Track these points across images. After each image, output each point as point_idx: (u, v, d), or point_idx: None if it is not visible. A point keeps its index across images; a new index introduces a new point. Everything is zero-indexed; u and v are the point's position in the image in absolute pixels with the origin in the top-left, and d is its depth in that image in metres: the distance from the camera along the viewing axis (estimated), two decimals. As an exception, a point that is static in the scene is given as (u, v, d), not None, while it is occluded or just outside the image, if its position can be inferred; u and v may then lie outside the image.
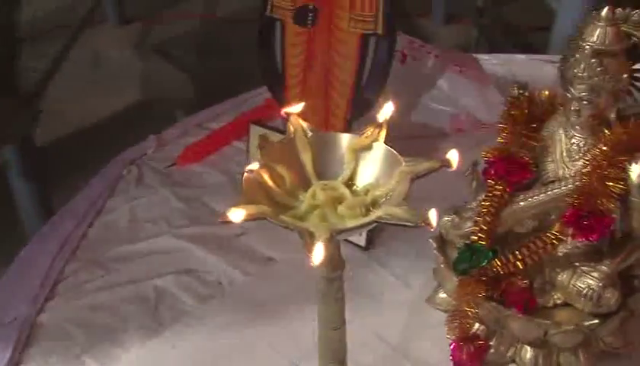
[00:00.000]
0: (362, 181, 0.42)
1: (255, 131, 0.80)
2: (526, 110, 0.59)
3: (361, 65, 0.68)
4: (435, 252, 0.63)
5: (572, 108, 0.53)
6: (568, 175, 0.56)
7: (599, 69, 0.51)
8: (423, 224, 0.37)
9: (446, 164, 0.42)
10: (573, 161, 0.56)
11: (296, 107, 0.45)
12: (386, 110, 0.44)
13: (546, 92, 0.59)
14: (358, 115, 0.71)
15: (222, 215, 0.38)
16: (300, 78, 0.73)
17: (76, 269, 0.73)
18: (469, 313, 0.56)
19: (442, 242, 0.63)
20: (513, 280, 0.56)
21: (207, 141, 0.93)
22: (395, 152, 0.42)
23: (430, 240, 0.64)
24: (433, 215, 0.38)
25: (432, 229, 0.38)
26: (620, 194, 0.52)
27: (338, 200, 0.40)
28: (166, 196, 0.83)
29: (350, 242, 0.74)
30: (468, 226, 0.58)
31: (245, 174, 0.41)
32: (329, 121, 0.72)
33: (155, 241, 0.77)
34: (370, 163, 0.42)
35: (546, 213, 0.56)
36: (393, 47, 0.66)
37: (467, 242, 0.57)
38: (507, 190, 0.57)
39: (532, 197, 0.56)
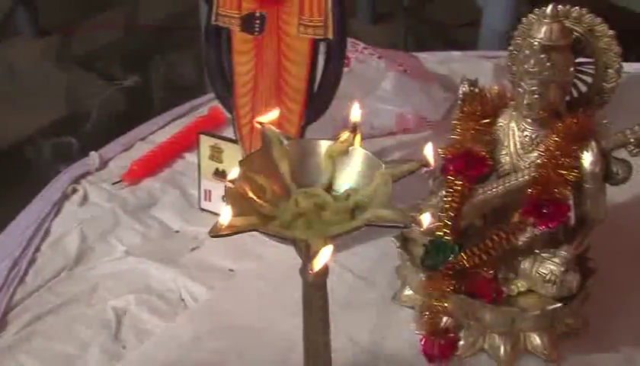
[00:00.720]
0: (341, 186, 0.43)
1: (206, 142, 0.80)
2: (479, 106, 0.62)
3: (312, 71, 0.69)
4: (399, 250, 0.65)
5: (524, 102, 0.57)
6: (523, 167, 0.59)
7: (548, 63, 0.55)
8: (414, 225, 0.39)
9: (425, 164, 0.44)
10: (527, 153, 0.59)
11: (269, 116, 0.46)
12: (355, 113, 0.45)
13: (496, 88, 0.62)
14: (311, 121, 0.72)
15: (212, 228, 0.39)
16: (250, 86, 0.74)
17: (26, 296, 0.71)
18: (438, 308, 0.59)
19: (404, 240, 0.66)
20: (479, 271, 0.58)
21: (154, 155, 0.92)
22: (373, 155, 0.43)
23: (393, 239, 0.66)
24: (425, 217, 0.39)
25: (422, 229, 0.40)
26: (574, 182, 0.55)
27: (321, 206, 0.41)
28: (115, 214, 0.82)
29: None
30: (432, 223, 0.60)
31: (227, 186, 0.41)
32: (283, 128, 0.72)
33: (108, 261, 0.75)
34: (348, 168, 0.43)
35: (505, 205, 0.59)
36: (344, 52, 0.68)
37: (432, 238, 0.60)
38: (467, 184, 0.59)
39: (491, 190, 0.59)
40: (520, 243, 0.59)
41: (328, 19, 0.66)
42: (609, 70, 0.57)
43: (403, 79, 0.90)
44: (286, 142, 0.44)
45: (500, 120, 0.61)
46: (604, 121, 0.56)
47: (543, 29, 0.55)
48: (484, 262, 0.58)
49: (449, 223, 0.59)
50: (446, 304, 0.59)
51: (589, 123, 0.56)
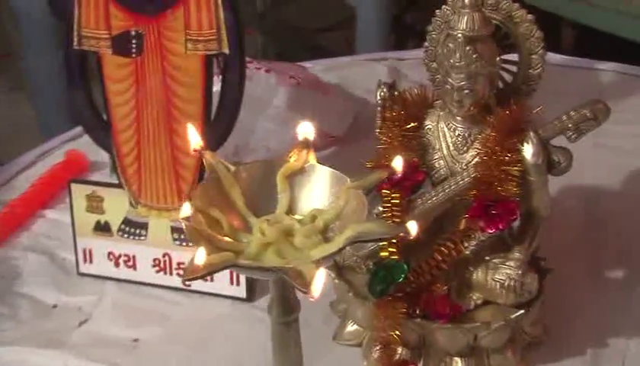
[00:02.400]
0: (304, 208, 0.44)
1: (79, 191, 0.77)
2: (401, 111, 0.65)
3: (208, 92, 0.70)
4: (336, 281, 0.66)
5: (454, 99, 0.61)
6: (459, 169, 0.63)
7: (474, 55, 0.59)
8: (403, 235, 0.41)
9: (392, 171, 0.46)
10: (462, 153, 0.63)
11: (197, 140, 0.46)
12: (306, 129, 0.46)
13: (417, 89, 0.66)
14: (213, 149, 0.72)
15: (187, 272, 0.38)
16: (133, 118, 0.72)
17: None
18: (391, 338, 0.61)
19: (338, 270, 0.67)
20: (432, 289, 0.61)
21: (5, 218, 0.87)
22: (334, 170, 0.44)
23: (328, 271, 0.67)
24: (412, 225, 0.41)
25: (410, 237, 0.42)
26: (518, 177, 0.60)
27: (288, 232, 0.42)
28: (-28, 297, 0.76)
29: (229, 297, 0.74)
30: (372, 244, 0.63)
31: (184, 224, 0.41)
32: (178, 161, 0.72)
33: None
34: (307, 187, 0.44)
35: (448, 212, 0.63)
36: (244, 66, 0.69)
37: (376, 261, 0.62)
38: (404, 196, 0.62)
39: (431, 199, 0.63)
40: (468, 252, 0.62)
41: (220, 30, 0.67)
42: (533, 56, 0.62)
43: (297, 93, 0.93)
44: (232, 168, 0.45)
45: (427, 122, 0.65)
46: (537, 109, 0.61)
47: (464, 19, 0.59)
48: (437, 278, 0.61)
49: (393, 240, 0.61)
50: (399, 332, 0.61)
51: (523, 113, 0.61)
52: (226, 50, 0.68)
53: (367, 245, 0.63)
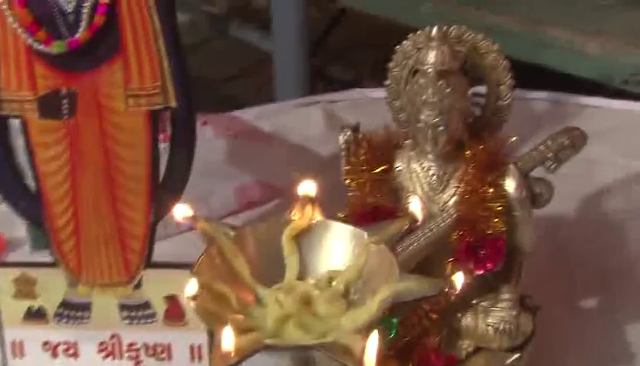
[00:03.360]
0: (316, 270, 0.41)
1: (5, 275, 0.71)
2: (368, 154, 0.64)
3: (154, 152, 0.66)
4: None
5: (428, 137, 0.60)
6: (437, 210, 0.62)
7: (447, 90, 0.59)
8: (448, 289, 0.38)
9: (413, 218, 0.44)
10: (438, 193, 0.62)
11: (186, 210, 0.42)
12: (307, 185, 0.44)
13: (381, 130, 0.65)
14: (163, 215, 0.68)
15: (217, 360, 0.33)
16: (67, 188, 0.67)
17: None
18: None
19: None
20: (424, 342, 0.59)
21: None
22: (347, 225, 0.42)
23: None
24: (459, 277, 0.39)
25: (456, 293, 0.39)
26: (502, 213, 0.59)
27: (305, 300, 0.38)
28: None
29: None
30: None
31: (192, 305, 0.37)
32: (124, 231, 0.67)
33: None
34: (317, 246, 0.41)
35: (430, 258, 0.61)
36: (194, 120, 0.65)
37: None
38: (384, 246, 0.60)
39: (411, 245, 0.61)
40: (453, 298, 0.61)
41: (165, 81, 0.63)
42: (502, 87, 0.62)
43: (236, 145, 0.90)
44: (232, 234, 0.41)
45: (397, 164, 0.64)
46: (512, 140, 0.61)
47: (433, 53, 0.59)
48: (427, 329, 0.59)
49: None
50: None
51: (499, 146, 0.61)
52: (173, 103, 0.64)
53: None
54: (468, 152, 0.61)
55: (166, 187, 0.67)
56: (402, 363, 0.59)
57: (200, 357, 0.69)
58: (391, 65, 0.65)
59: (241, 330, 0.36)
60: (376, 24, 2.54)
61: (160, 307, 0.69)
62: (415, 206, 0.47)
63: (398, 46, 0.64)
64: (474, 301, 0.62)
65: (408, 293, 0.38)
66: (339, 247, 0.43)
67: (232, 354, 0.35)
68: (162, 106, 0.64)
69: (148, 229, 0.68)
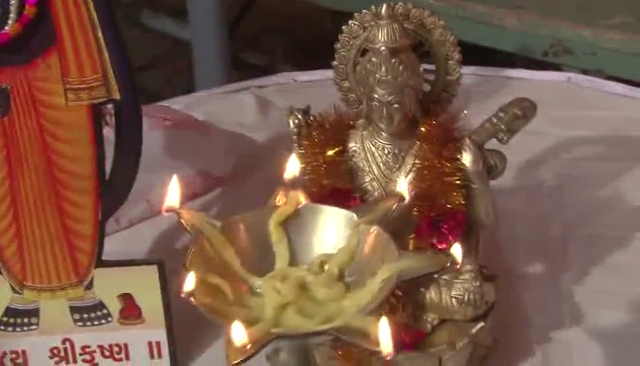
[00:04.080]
0: (306, 255, 0.40)
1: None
2: (321, 136, 0.63)
3: (99, 147, 0.63)
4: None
5: (383, 115, 0.60)
6: (394, 188, 0.62)
7: (400, 67, 0.58)
8: (450, 264, 0.38)
9: (399, 197, 0.43)
10: (394, 171, 0.62)
11: (172, 198, 0.40)
12: (292, 167, 0.43)
13: (331, 112, 0.64)
14: (112, 212, 0.65)
15: (234, 354, 0.32)
16: (6, 189, 0.63)
17: None
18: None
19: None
20: (394, 319, 0.59)
21: None
22: (336, 208, 0.41)
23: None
24: (457, 249, 0.38)
25: (458, 266, 0.39)
26: (461, 186, 0.60)
27: (301, 286, 0.37)
28: None
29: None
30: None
31: (194, 301, 0.35)
32: (72, 229, 0.64)
33: None
34: (305, 231, 0.40)
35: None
36: (140, 111, 0.63)
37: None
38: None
39: (373, 224, 0.61)
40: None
41: (107, 73, 0.61)
42: (450, 62, 0.63)
43: (173, 136, 0.87)
44: (218, 224, 0.40)
45: (350, 145, 0.63)
46: (462, 114, 0.62)
47: (384, 31, 0.58)
48: (396, 306, 0.59)
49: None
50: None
51: (452, 120, 0.61)
52: (117, 96, 0.61)
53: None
54: (422, 129, 0.61)
55: (113, 183, 0.64)
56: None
57: (159, 354, 0.68)
58: (337, 45, 0.64)
59: (243, 322, 0.35)
60: (286, 9, 2.54)
61: (114, 306, 0.66)
62: (402, 186, 0.46)
63: (344, 27, 0.63)
64: (435, 275, 0.62)
65: (411, 271, 0.38)
66: (328, 230, 0.42)
67: (248, 346, 0.34)
68: (105, 99, 0.62)
69: (97, 227, 0.65)
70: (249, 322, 0.35)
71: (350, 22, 0.63)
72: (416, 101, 0.61)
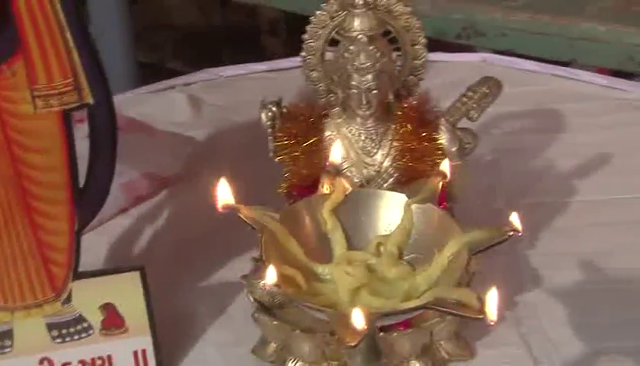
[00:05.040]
0: (362, 239, 0.41)
1: None
2: (295, 128, 0.64)
3: (71, 155, 0.60)
4: (274, 323, 0.63)
5: (363, 102, 0.61)
6: (374, 172, 0.64)
7: (378, 54, 0.60)
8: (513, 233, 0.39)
9: (443, 175, 0.45)
10: (372, 156, 0.64)
11: (226, 196, 0.40)
12: (335, 154, 0.43)
13: (301, 102, 0.65)
14: (89, 221, 0.63)
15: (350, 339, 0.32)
16: (-29, 207, 0.60)
17: None
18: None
19: (264, 309, 0.64)
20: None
21: None
22: (383, 190, 0.42)
23: (256, 315, 0.64)
24: (515, 218, 0.40)
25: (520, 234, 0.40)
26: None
27: (369, 269, 0.38)
28: None
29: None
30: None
31: (280, 291, 0.35)
32: (46, 243, 0.62)
33: None
34: (356, 216, 0.41)
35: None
36: (114, 115, 0.61)
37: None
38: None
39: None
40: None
41: (79, 77, 0.58)
42: (417, 46, 0.65)
43: (120, 139, 0.85)
44: (277, 216, 0.40)
45: (326, 133, 0.64)
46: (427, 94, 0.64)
47: (360, 20, 0.60)
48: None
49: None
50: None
51: (425, 103, 0.64)
52: (90, 100, 0.59)
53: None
54: (399, 112, 0.63)
55: (89, 191, 0.62)
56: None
57: (145, 363, 0.66)
58: (305, 36, 0.65)
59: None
60: (168, 2, 2.49)
61: (95, 318, 0.64)
62: (445, 165, 0.48)
63: (311, 18, 0.64)
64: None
65: (478, 242, 0.40)
66: (379, 213, 0.43)
67: (364, 326, 0.35)
68: (77, 104, 0.59)
69: (73, 238, 0.62)
70: (329, 308, 0.36)
71: (317, 13, 0.64)
72: (390, 85, 0.63)
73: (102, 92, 0.60)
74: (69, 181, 0.61)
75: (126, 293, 0.64)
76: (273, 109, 0.65)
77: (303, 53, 0.66)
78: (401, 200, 0.42)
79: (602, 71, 1.20)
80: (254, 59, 1.18)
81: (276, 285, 0.37)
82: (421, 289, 0.38)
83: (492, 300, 0.36)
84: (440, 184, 0.45)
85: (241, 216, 0.42)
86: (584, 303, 0.73)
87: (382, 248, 0.41)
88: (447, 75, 1.09)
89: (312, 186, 0.62)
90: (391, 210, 0.42)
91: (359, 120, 0.63)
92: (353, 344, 0.35)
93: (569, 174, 0.90)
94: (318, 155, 0.64)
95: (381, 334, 0.61)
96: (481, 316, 0.36)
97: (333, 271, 0.39)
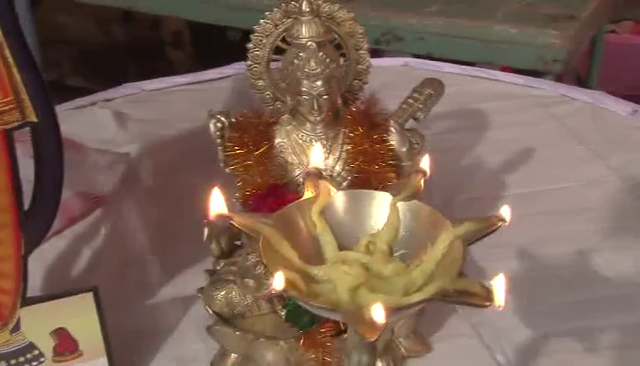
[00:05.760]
0: (349, 238, 0.41)
1: None
2: (245, 137, 0.64)
3: (15, 175, 0.57)
4: (236, 334, 0.62)
5: (313, 108, 0.62)
6: (326, 176, 0.64)
7: (328, 60, 0.61)
8: (502, 223, 0.40)
9: (423, 172, 0.45)
10: (324, 160, 0.64)
11: (219, 206, 0.39)
12: (317, 158, 0.43)
13: (249, 111, 0.65)
14: (36, 243, 0.60)
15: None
16: None
17: None
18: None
19: (224, 321, 0.63)
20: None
21: None
22: (367, 190, 0.42)
23: (215, 328, 0.63)
24: (505, 210, 0.41)
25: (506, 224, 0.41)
26: (392, 165, 0.64)
27: (365, 267, 0.38)
28: None
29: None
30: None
31: (292, 294, 0.34)
32: (-8, 270, 0.59)
33: None
34: (342, 218, 0.42)
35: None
36: (59, 133, 0.58)
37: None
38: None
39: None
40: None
41: (20, 95, 0.56)
42: (360, 51, 0.66)
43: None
44: (270, 222, 0.39)
45: (277, 141, 0.65)
46: (375, 97, 0.65)
47: (307, 27, 0.60)
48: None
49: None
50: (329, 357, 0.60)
51: (373, 106, 0.65)
52: (34, 118, 0.57)
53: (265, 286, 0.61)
54: (348, 116, 0.64)
55: (35, 213, 0.60)
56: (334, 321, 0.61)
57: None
58: (250, 45, 0.65)
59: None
60: (64, 19, 2.42)
61: (47, 345, 0.62)
62: (425, 162, 0.49)
63: (256, 26, 0.64)
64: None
65: (470, 234, 0.41)
66: (365, 213, 0.44)
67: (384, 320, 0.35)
68: (20, 123, 0.57)
69: (20, 263, 0.60)
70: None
71: (261, 21, 0.64)
72: (339, 90, 0.64)
73: (46, 109, 0.58)
74: (14, 203, 0.58)
75: (79, 315, 0.62)
76: (222, 119, 0.64)
77: (249, 62, 0.65)
78: (386, 198, 0.43)
79: (506, 70, 1.25)
80: (160, 73, 1.17)
81: (284, 290, 0.37)
82: (418, 283, 0.39)
83: (500, 286, 0.37)
84: (422, 180, 0.46)
85: (235, 224, 0.42)
86: (526, 290, 0.76)
87: (371, 247, 0.42)
88: (371, 79, 1.11)
89: (267, 194, 0.63)
90: (376, 209, 0.43)
91: (309, 125, 0.64)
92: (374, 338, 0.35)
93: (498, 169, 0.93)
94: (271, 163, 0.64)
95: (346, 335, 0.62)
96: (488, 304, 0.37)
97: (329, 271, 0.40)
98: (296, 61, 0.61)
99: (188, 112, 1.04)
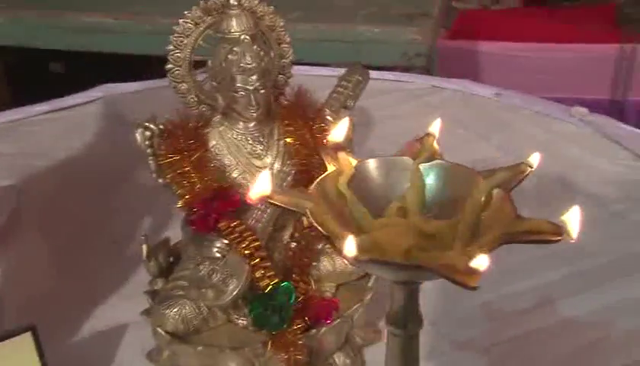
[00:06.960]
0: (379, 207, 0.41)
1: None
2: (177, 143, 0.61)
3: None
4: (198, 348, 0.59)
5: (250, 104, 0.60)
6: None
7: (262, 53, 0.60)
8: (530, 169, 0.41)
9: (433, 136, 0.45)
10: (262, 158, 0.63)
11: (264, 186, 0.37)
12: (341, 131, 0.42)
13: (176, 117, 0.62)
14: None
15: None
16: None
17: None
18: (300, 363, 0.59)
19: (180, 340, 0.60)
20: (321, 293, 0.62)
21: None
22: (383, 157, 0.42)
23: (171, 347, 0.59)
24: (535, 157, 0.41)
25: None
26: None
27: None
28: None
29: None
30: (234, 286, 0.58)
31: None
32: None
33: None
34: (367, 187, 0.41)
35: (283, 218, 0.63)
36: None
37: (253, 297, 0.58)
38: (241, 222, 0.60)
39: (265, 212, 0.61)
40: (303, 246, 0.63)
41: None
42: (283, 45, 0.65)
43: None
44: (309, 197, 0.38)
45: (211, 144, 0.62)
46: (304, 89, 0.65)
47: (237, 20, 0.59)
48: (317, 281, 0.61)
49: (266, 265, 0.58)
50: (300, 355, 0.59)
51: (304, 98, 0.64)
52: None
53: (228, 289, 0.58)
54: (283, 110, 0.63)
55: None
56: (306, 320, 0.60)
57: None
58: (170, 47, 0.62)
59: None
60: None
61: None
62: (435, 127, 0.48)
63: (175, 27, 0.62)
64: (319, 246, 0.65)
65: (505, 180, 0.40)
66: (390, 180, 0.43)
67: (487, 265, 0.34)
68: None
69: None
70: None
71: (180, 21, 0.62)
72: (271, 86, 0.63)
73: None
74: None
75: (17, 357, 0.56)
76: (151, 126, 0.61)
77: (169, 66, 0.62)
78: (407, 162, 0.43)
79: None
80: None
81: (357, 257, 0.35)
82: (466, 236, 0.39)
83: (574, 218, 0.38)
84: (435, 141, 0.46)
85: (277, 203, 0.40)
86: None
87: (402, 211, 0.41)
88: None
89: (213, 197, 0.60)
90: (399, 175, 0.43)
91: (241, 124, 0.62)
92: (475, 284, 0.35)
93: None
94: (208, 166, 0.62)
95: (313, 331, 0.61)
96: (559, 238, 0.38)
97: (377, 237, 0.39)
98: (230, 56, 0.59)
99: (58, 141, 0.99)
